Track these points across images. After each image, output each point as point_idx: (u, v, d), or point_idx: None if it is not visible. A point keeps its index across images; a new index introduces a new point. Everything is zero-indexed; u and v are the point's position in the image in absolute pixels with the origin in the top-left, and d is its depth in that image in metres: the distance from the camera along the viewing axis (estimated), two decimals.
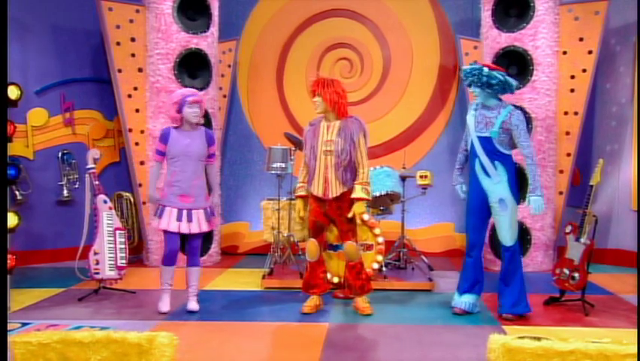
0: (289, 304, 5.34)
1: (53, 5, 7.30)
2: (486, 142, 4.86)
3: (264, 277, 6.11)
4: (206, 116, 7.02)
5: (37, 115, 7.17)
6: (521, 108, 6.21)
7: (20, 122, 6.74)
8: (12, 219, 5.24)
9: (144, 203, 7.05)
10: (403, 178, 6.48)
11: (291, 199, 6.47)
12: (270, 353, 4.26)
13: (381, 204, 6.30)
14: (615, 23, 7.31)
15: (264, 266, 6.44)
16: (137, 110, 7.10)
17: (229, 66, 7.92)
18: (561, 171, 7.11)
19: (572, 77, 7.03)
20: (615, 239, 7.30)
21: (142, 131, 7.07)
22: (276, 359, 4.14)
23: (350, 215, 4.90)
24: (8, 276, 4.89)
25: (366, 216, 5.78)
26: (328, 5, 8.19)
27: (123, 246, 5.62)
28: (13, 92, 5.40)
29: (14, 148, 6.56)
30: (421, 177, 6.33)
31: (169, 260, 5.02)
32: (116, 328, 3.97)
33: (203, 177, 5.04)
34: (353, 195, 4.88)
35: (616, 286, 6.15)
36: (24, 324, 4.67)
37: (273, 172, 6.48)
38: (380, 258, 5.84)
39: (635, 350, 2.41)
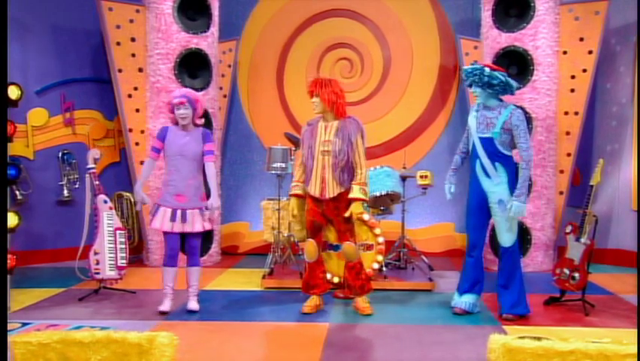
0: (289, 304, 5.34)
1: (53, 5, 7.30)
2: (487, 143, 4.86)
3: (264, 277, 6.11)
4: (207, 116, 7.04)
5: (37, 115, 7.17)
6: (522, 108, 6.20)
7: (20, 122, 6.74)
8: (12, 219, 5.24)
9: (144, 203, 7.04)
10: (403, 178, 6.48)
11: None
12: (270, 353, 4.26)
13: (382, 204, 6.30)
14: (615, 23, 7.31)
15: (264, 266, 6.44)
16: (138, 110, 7.10)
17: (229, 66, 7.92)
18: (561, 171, 7.11)
19: (573, 77, 7.03)
20: (615, 239, 7.30)
21: (142, 131, 7.07)
22: (276, 359, 4.14)
23: (347, 215, 4.89)
24: (8, 276, 4.89)
25: (366, 216, 5.78)
26: (328, 5, 8.19)
27: (123, 246, 5.62)
28: (13, 92, 5.40)
29: (14, 148, 6.56)
30: (421, 177, 6.33)
31: (169, 261, 5.03)
32: (116, 328, 3.97)
33: (199, 177, 5.02)
34: (350, 195, 4.88)
35: (616, 286, 6.14)
36: (24, 324, 4.67)
37: (273, 172, 6.48)
38: (380, 258, 5.84)
39: (635, 350, 2.41)
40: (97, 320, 4.85)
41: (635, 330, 4.44)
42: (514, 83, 4.94)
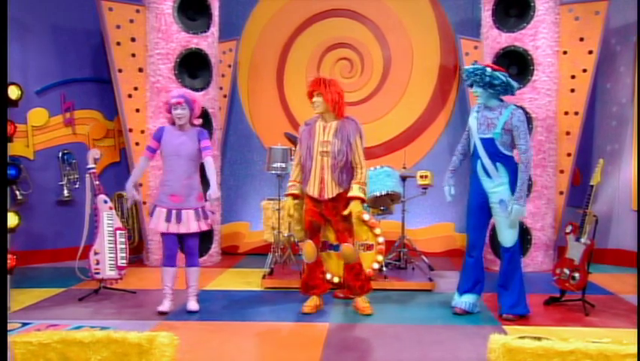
0: (289, 304, 5.34)
1: (53, 5, 7.30)
2: (489, 143, 4.86)
3: (264, 277, 6.11)
4: (207, 116, 7.05)
5: (37, 115, 7.17)
6: (522, 108, 6.20)
7: (21, 122, 6.75)
8: (12, 219, 5.24)
9: (144, 203, 7.05)
10: (404, 178, 6.48)
11: None
12: (270, 353, 4.26)
13: (382, 204, 6.30)
14: (615, 23, 7.31)
15: (265, 266, 6.44)
16: (138, 110, 7.10)
17: (229, 66, 7.92)
18: (561, 171, 7.11)
19: (573, 77, 7.03)
20: (615, 239, 7.30)
21: (142, 132, 7.07)
22: (276, 359, 4.14)
23: (346, 213, 4.88)
24: (8, 276, 4.89)
25: (366, 216, 5.78)
26: (328, 5, 8.19)
27: (123, 246, 5.62)
28: (13, 92, 5.40)
29: (15, 148, 6.56)
30: (422, 177, 6.33)
31: (167, 261, 5.04)
32: (117, 328, 3.97)
33: (195, 177, 5.01)
34: (350, 194, 4.87)
35: (616, 286, 6.15)
36: (24, 324, 4.68)
37: (273, 172, 6.49)
38: (380, 258, 5.83)
39: (635, 350, 2.41)
40: (97, 320, 4.85)
41: (635, 330, 4.44)
42: (514, 84, 4.93)
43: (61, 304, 5.40)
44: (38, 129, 7.19)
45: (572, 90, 7.05)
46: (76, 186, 7.36)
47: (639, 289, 5.41)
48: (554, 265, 5.54)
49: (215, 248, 7.41)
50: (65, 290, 5.88)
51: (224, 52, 7.77)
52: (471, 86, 4.97)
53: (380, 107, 8.14)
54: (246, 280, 6.36)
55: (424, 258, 6.78)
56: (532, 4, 6.77)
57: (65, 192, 7.33)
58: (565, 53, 7.00)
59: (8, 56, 4.77)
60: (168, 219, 4.91)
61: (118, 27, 6.97)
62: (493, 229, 6.19)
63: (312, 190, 4.93)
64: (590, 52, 6.99)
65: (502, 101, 4.94)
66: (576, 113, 7.06)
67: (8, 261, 4.86)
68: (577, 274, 5.17)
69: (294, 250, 6.54)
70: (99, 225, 5.60)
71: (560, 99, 7.02)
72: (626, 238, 7.11)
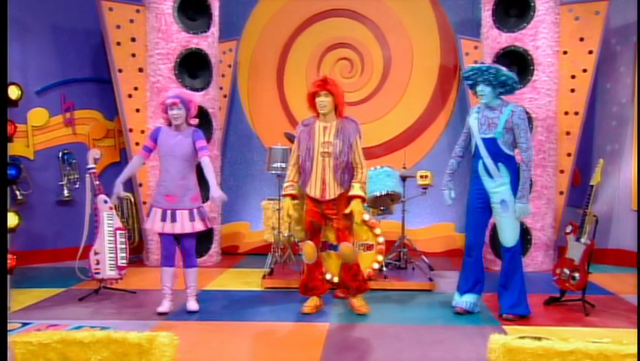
0: (289, 304, 5.34)
1: (53, 5, 7.30)
2: (490, 143, 4.85)
3: (264, 277, 6.11)
4: (207, 116, 7.06)
5: (37, 115, 7.17)
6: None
7: (21, 122, 6.75)
8: (12, 219, 5.24)
9: (144, 203, 7.05)
10: (404, 178, 6.48)
11: None
12: (270, 353, 4.26)
13: (382, 204, 6.30)
14: (615, 23, 7.31)
15: (265, 266, 6.44)
16: (138, 110, 7.10)
17: (229, 66, 7.92)
18: (561, 171, 7.11)
19: (573, 76, 7.03)
20: (615, 239, 7.30)
21: (142, 131, 7.07)
22: (276, 359, 4.14)
23: (347, 211, 4.88)
24: (8, 276, 4.89)
25: (366, 216, 5.78)
26: (328, 5, 8.19)
27: (124, 246, 5.62)
28: (13, 92, 5.40)
29: (15, 148, 6.56)
30: (422, 177, 6.33)
31: (165, 261, 5.05)
32: (117, 328, 3.96)
33: (190, 177, 4.99)
34: (351, 193, 4.88)
35: (616, 286, 6.14)
36: (24, 324, 4.68)
37: (273, 172, 6.49)
38: (380, 258, 5.84)
39: (635, 350, 2.41)
40: (97, 320, 4.85)
41: (635, 330, 4.44)
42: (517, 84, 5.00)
43: (61, 304, 5.40)
44: (38, 129, 7.19)
45: (572, 90, 7.05)
46: (77, 186, 7.36)
47: (639, 289, 5.41)
48: (554, 265, 5.53)
49: (215, 248, 7.41)
50: (65, 290, 5.88)
51: (224, 52, 7.77)
52: (474, 85, 4.94)
53: (380, 107, 8.13)
54: (246, 280, 6.36)
55: (424, 258, 6.78)
56: (533, 4, 6.77)
57: (65, 192, 7.33)
58: (565, 53, 7.00)
59: (8, 56, 4.77)
60: (163, 219, 4.92)
61: (118, 27, 6.97)
62: (493, 229, 6.21)
63: (314, 191, 4.92)
64: (590, 52, 6.99)
65: (502, 100, 4.95)
66: (576, 113, 7.06)
67: (8, 261, 4.86)
68: (577, 274, 5.17)
69: (294, 250, 6.54)
70: (99, 225, 5.60)
71: (560, 99, 7.02)
72: (626, 238, 7.11)
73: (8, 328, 3.30)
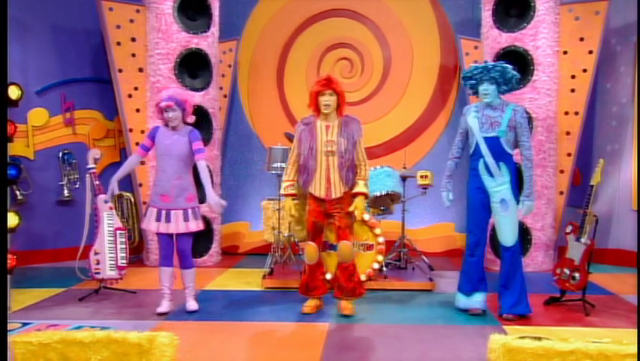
0: (289, 304, 5.34)
1: (53, 5, 7.30)
2: (493, 142, 4.86)
3: (264, 277, 6.11)
4: (207, 116, 7.06)
5: (37, 115, 7.17)
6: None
7: (21, 122, 6.74)
8: (12, 219, 5.24)
9: (144, 203, 7.05)
10: (404, 178, 6.48)
11: None
12: (270, 353, 4.25)
13: (382, 204, 6.30)
14: (615, 23, 7.31)
15: (265, 266, 6.44)
16: (138, 110, 7.10)
17: (229, 66, 7.92)
18: (562, 171, 7.11)
19: (573, 76, 7.03)
20: (616, 239, 7.30)
21: (142, 131, 7.06)
22: (276, 359, 4.14)
23: (351, 209, 4.89)
24: (8, 276, 4.89)
25: (366, 216, 5.78)
26: (328, 5, 8.19)
27: (124, 246, 5.63)
28: (13, 92, 5.40)
29: (15, 148, 6.56)
30: (422, 177, 6.33)
31: (163, 261, 5.05)
32: (117, 328, 3.96)
33: (185, 177, 4.96)
34: (356, 190, 4.91)
35: (616, 286, 6.14)
36: (24, 324, 4.68)
37: (273, 172, 6.49)
38: (380, 258, 5.85)
39: (635, 350, 2.41)
40: (97, 320, 4.85)
41: (635, 330, 4.44)
42: None
43: (62, 304, 5.41)
44: (38, 129, 7.19)
45: (572, 90, 7.05)
46: (77, 186, 7.36)
47: (639, 289, 5.41)
48: (554, 265, 5.54)
49: (215, 248, 7.41)
50: (65, 290, 5.88)
51: (224, 52, 7.77)
52: (475, 85, 4.92)
53: (380, 107, 8.14)
54: (246, 280, 6.36)
55: (424, 258, 6.78)
56: (533, 4, 6.77)
57: (65, 192, 7.33)
58: (565, 53, 7.00)
59: (8, 56, 4.77)
60: (158, 219, 4.92)
61: (118, 27, 6.97)
62: (493, 229, 6.20)
63: (318, 191, 4.91)
64: (590, 52, 6.99)
65: (501, 99, 4.96)
66: (576, 113, 7.06)
67: (8, 261, 4.86)
68: (577, 274, 5.17)
69: (294, 250, 6.54)
70: (99, 225, 5.60)
71: (560, 99, 7.02)
72: (626, 238, 7.11)
73: (8, 328, 3.30)
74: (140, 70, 7.08)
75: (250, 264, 7.25)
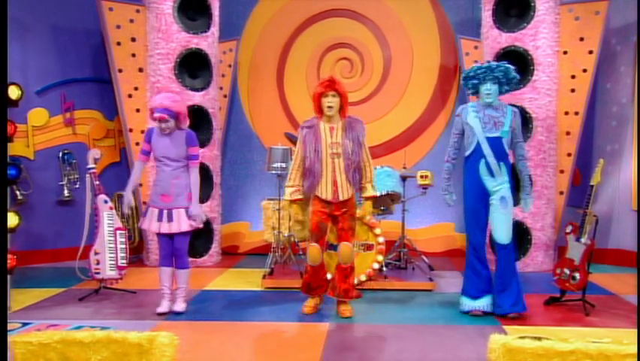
0: (289, 304, 5.34)
1: (53, 5, 7.31)
2: (496, 143, 4.86)
3: (264, 277, 6.11)
4: (207, 116, 7.06)
5: (37, 115, 7.17)
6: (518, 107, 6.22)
7: (21, 122, 6.74)
8: (12, 219, 5.24)
9: (144, 203, 7.05)
10: (404, 178, 6.48)
11: None
12: (270, 353, 4.25)
13: (382, 204, 6.30)
14: (616, 23, 7.31)
15: (265, 266, 6.44)
16: (138, 110, 7.10)
17: (230, 66, 7.92)
18: (562, 171, 7.11)
19: (573, 76, 7.03)
20: (616, 239, 7.30)
21: (142, 131, 7.04)
22: (276, 359, 4.14)
23: (362, 214, 4.92)
24: (8, 276, 4.89)
25: (366, 217, 5.78)
26: (328, 5, 8.19)
27: (124, 246, 5.62)
28: (13, 92, 5.40)
29: (15, 148, 6.56)
30: (422, 177, 6.33)
31: (163, 261, 5.05)
32: (117, 328, 3.96)
33: (184, 176, 4.95)
34: (366, 194, 4.95)
35: (616, 286, 6.14)
36: (24, 324, 4.68)
37: (273, 172, 6.48)
38: (380, 258, 5.85)
39: (635, 350, 2.41)
40: (97, 320, 4.85)
41: (635, 330, 4.43)
42: None
43: (62, 304, 5.40)
44: (38, 129, 7.19)
45: (572, 90, 7.05)
46: (77, 186, 7.36)
47: (639, 289, 5.41)
48: (554, 265, 5.53)
49: (215, 248, 7.41)
50: (65, 290, 5.88)
51: (224, 52, 7.77)
52: (477, 85, 4.92)
53: (380, 107, 8.14)
54: (246, 280, 6.36)
55: (424, 258, 6.78)
56: (533, 4, 6.77)
57: (65, 192, 7.33)
58: (565, 53, 7.00)
59: (8, 56, 4.77)
60: (160, 219, 4.91)
61: (118, 27, 6.97)
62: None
63: (325, 193, 4.88)
64: (590, 52, 6.99)
65: (499, 99, 4.98)
66: (576, 113, 7.06)
67: (8, 261, 4.86)
68: (577, 274, 5.17)
69: (294, 250, 6.54)
70: (99, 225, 5.60)
71: (560, 99, 7.02)
72: (626, 238, 7.11)
73: (8, 328, 3.30)
74: (140, 70, 7.08)
75: (250, 264, 7.25)
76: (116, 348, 2.58)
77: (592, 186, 5.29)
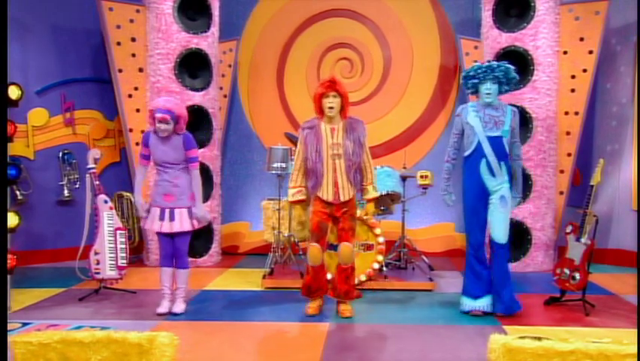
0: (289, 304, 5.34)
1: (53, 5, 7.31)
2: (496, 142, 4.87)
3: (264, 277, 6.11)
4: (207, 116, 7.06)
5: (37, 115, 7.17)
6: (518, 107, 6.23)
7: (21, 122, 6.74)
8: (12, 219, 5.23)
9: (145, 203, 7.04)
10: (404, 178, 6.48)
11: None
12: (270, 353, 4.26)
13: (382, 204, 6.29)
14: (615, 23, 7.31)
15: (265, 266, 6.44)
16: (138, 110, 7.10)
17: (230, 66, 7.92)
18: (562, 171, 7.11)
19: (573, 76, 7.03)
20: (616, 239, 7.30)
21: (142, 131, 7.04)
22: (276, 359, 4.14)
23: (364, 215, 4.89)
24: (8, 276, 4.89)
25: (368, 217, 5.77)
26: (328, 5, 8.19)
27: (124, 246, 5.62)
28: (13, 92, 5.40)
29: (15, 148, 6.56)
30: (422, 177, 6.33)
31: (163, 261, 5.05)
32: (117, 328, 3.96)
33: (185, 176, 4.94)
34: (368, 197, 4.96)
35: (616, 286, 6.14)
36: (24, 324, 4.68)
37: (273, 172, 6.48)
38: (380, 258, 5.85)
39: (635, 350, 2.41)
40: (97, 320, 4.85)
41: (635, 330, 4.44)
42: None
43: (62, 304, 5.40)
44: (38, 129, 7.19)
45: (572, 90, 7.05)
46: (77, 186, 7.36)
47: (639, 289, 5.41)
48: (554, 265, 5.53)
49: (215, 248, 7.41)
50: (65, 290, 5.88)
51: (224, 52, 7.77)
52: (477, 84, 4.92)
53: (380, 107, 8.14)
54: (246, 280, 6.36)
55: (424, 258, 6.78)
56: (533, 4, 6.77)
57: (65, 192, 7.33)
58: (565, 53, 7.00)
59: (8, 56, 4.77)
60: (162, 218, 4.91)
61: (118, 27, 6.97)
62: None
63: (326, 194, 4.87)
64: (590, 52, 6.99)
65: (498, 99, 4.99)
66: (576, 113, 7.06)
67: (8, 261, 4.86)
68: (577, 274, 5.17)
69: (294, 250, 6.53)
70: (99, 225, 5.60)
71: (560, 99, 7.02)
72: (626, 238, 7.10)
73: (8, 328, 3.30)
74: (140, 70, 7.08)
75: (250, 264, 7.25)
76: (116, 348, 2.58)
77: (592, 186, 5.29)
